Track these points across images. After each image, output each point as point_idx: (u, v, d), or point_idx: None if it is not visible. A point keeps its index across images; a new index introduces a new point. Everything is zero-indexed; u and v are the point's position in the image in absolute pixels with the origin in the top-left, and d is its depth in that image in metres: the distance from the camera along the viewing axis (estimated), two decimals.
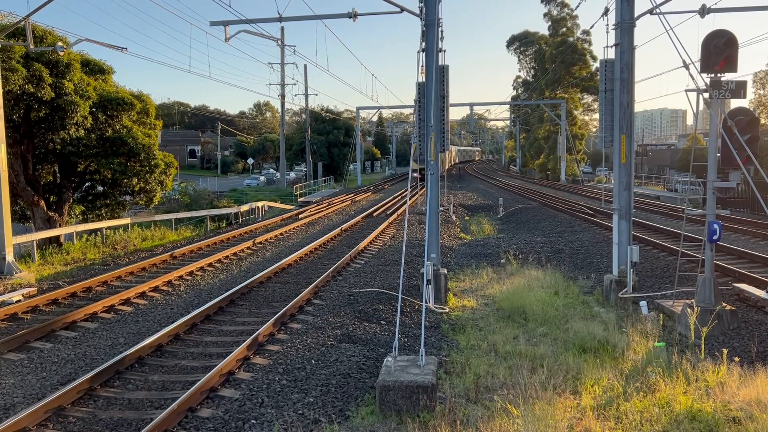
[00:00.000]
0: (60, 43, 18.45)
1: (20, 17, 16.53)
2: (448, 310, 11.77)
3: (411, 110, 60.28)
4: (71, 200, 24.30)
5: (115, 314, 11.79)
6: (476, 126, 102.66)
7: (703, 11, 12.67)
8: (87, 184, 25.32)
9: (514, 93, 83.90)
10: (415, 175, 28.12)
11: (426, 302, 10.69)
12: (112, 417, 7.11)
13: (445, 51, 12.70)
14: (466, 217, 30.39)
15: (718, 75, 10.04)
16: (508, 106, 76.80)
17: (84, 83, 21.74)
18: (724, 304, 10.15)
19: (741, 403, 6.85)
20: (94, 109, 22.54)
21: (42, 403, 7.03)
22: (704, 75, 10.11)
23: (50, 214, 22.56)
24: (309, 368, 8.37)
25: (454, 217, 28.79)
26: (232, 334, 10.36)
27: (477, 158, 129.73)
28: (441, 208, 16.05)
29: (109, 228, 23.44)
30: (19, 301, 12.75)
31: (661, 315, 10.59)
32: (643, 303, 11.37)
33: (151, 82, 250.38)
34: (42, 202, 22.26)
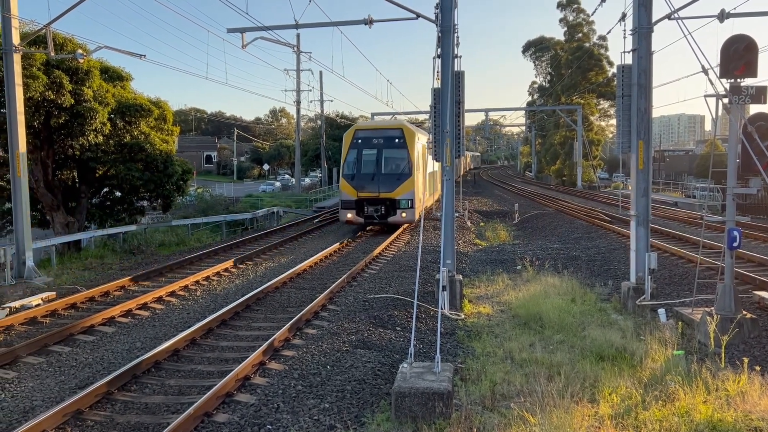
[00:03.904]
0: (80, 51, 18.72)
1: (41, 25, 16.81)
2: (463, 316, 11.72)
3: (426, 116, 60.29)
4: (90, 205, 24.59)
5: (133, 318, 11.88)
6: (491, 132, 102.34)
7: (722, 16, 12.55)
8: (105, 190, 25.62)
9: (530, 98, 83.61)
10: (349, 216, 23.49)
11: (441, 308, 10.65)
12: (129, 421, 7.16)
13: (460, 57, 12.69)
14: (482, 223, 30.27)
15: (738, 80, 9.92)
16: (523, 111, 76.43)
17: (103, 90, 22.03)
18: (744, 313, 10.00)
19: (763, 413, 6.74)
20: (112, 116, 22.82)
21: (61, 406, 7.09)
22: (723, 80, 10.00)
23: (69, 219, 22.84)
24: (324, 374, 8.37)
25: (469, 223, 28.69)
26: (248, 339, 10.40)
27: (467, 167, 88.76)
28: (456, 214, 16.01)
29: (126, 233, 23.66)
30: (38, 305, 12.90)
31: (680, 323, 10.46)
32: (661, 310, 11.24)
33: (168, 88, 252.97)
34: (61, 208, 22.54)
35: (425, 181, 26.99)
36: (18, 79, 15.83)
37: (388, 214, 23.18)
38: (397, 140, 23.66)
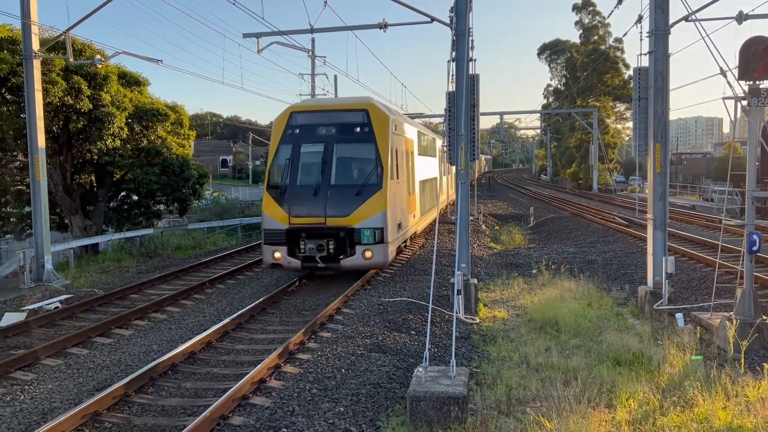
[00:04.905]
0: (98, 56, 18.95)
1: (61, 31, 17.05)
2: (478, 320, 11.67)
3: (440, 119, 60.20)
4: (107, 209, 24.85)
5: (149, 321, 11.98)
6: (506, 135, 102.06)
7: (741, 17, 12.41)
8: (122, 194, 25.87)
9: (545, 101, 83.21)
10: (277, 255, 14.10)
11: (456, 312, 10.62)
12: (146, 423, 7.21)
13: (475, 60, 12.66)
14: (497, 227, 30.15)
15: (757, 82, 9.80)
16: (538, 114, 76.12)
17: (120, 95, 22.28)
18: (764, 317, 9.85)
19: None
20: (129, 120, 23.06)
21: (79, 408, 7.16)
22: (742, 82, 9.89)
23: (87, 222, 23.09)
24: (339, 377, 8.38)
25: (484, 226, 28.59)
26: (263, 342, 10.44)
27: (482, 170, 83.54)
28: (471, 218, 15.95)
29: (143, 236, 23.87)
30: (57, 307, 13.05)
31: (698, 328, 10.34)
32: (679, 315, 11.11)
33: (184, 93, 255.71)
34: (79, 211, 22.80)
35: (412, 195, 18.23)
36: (38, 85, 16.06)
37: (339, 253, 14.13)
38: (358, 129, 14.80)
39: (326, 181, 14.36)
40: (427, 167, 22.49)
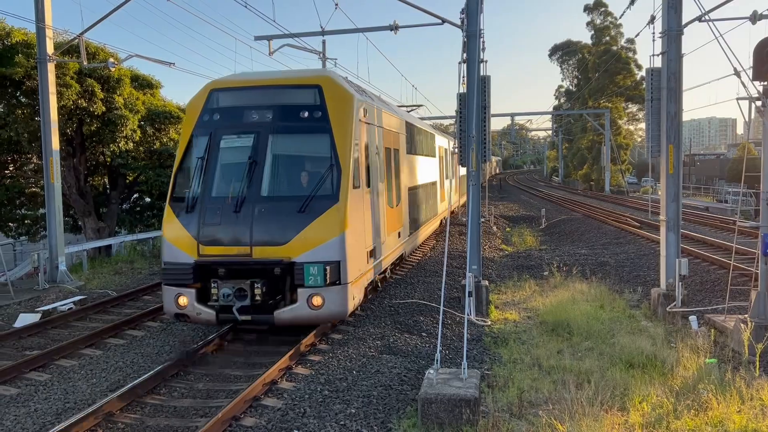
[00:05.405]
0: (111, 59, 19.11)
1: (74, 35, 17.22)
2: (489, 322, 11.64)
3: (451, 121, 60.11)
4: (120, 211, 25.04)
5: (161, 323, 12.05)
6: (517, 136, 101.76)
7: (755, 17, 12.29)
8: (135, 196, 26.05)
9: (557, 102, 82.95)
10: (182, 301, 9.25)
11: (468, 315, 10.59)
12: (159, 424, 7.25)
13: (486, 61, 12.64)
14: (508, 229, 30.05)
15: None
16: (550, 115, 75.83)
17: (133, 97, 22.46)
18: None
19: None
20: (142, 123, 23.23)
21: (92, 408, 7.22)
22: (756, 83, 9.81)
23: (100, 224, 23.28)
24: (350, 379, 8.38)
25: (495, 228, 28.50)
26: (274, 343, 10.45)
27: (493, 171, 76.84)
28: (482, 219, 15.92)
29: (155, 238, 24.02)
30: (71, 308, 13.17)
31: (712, 330, 10.25)
32: (692, 318, 11.03)
33: None
34: (92, 213, 23.00)
35: (395, 209, 13.80)
36: (52, 88, 16.22)
37: (270, 299, 9.63)
38: (306, 113, 10.25)
39: (254, 192, 9.66)
40: (421, 169, 18.32)
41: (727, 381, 7.78)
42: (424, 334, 10.73)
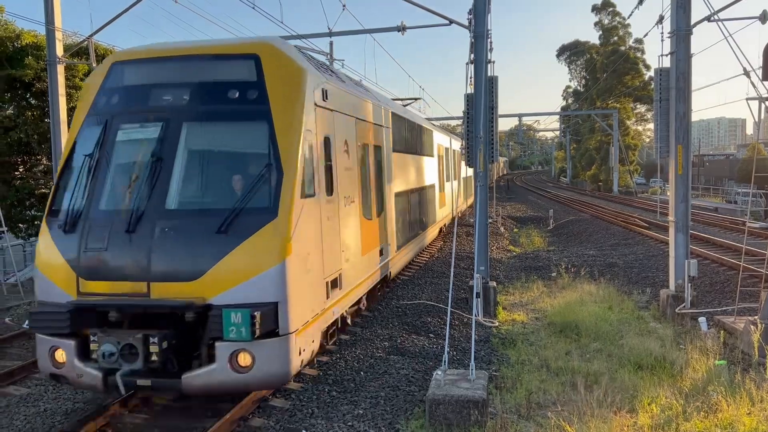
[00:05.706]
0: None
1: (84, 37, 17.32)
2: (497, 323, 11.62)
3: (458, 121, 60.05)
4: None
5: None
6: (525, 137, 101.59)
7: (764, 17, 12.22)
8: None
9: (564, 103, 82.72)
10: (59, 357, 6.19)
11: (475, 316, 10.58)
12: (168, 425, 7.28)
13: (493, 62, 12.64)
14: (515, 229, 29.99)
15: None
16: (557, 116, 75.67)
17: None
18: None
19: None
20: None
21: (101, 408, 7.25)
22: (766, 83, 9.76)
23: None
24: (358, 380, 8.39)
25: (502, 229, 28.45)
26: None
27: (500, 172, 74.68)
28: (489, 220, 15.89)
29: None
30: None
31: (722, 332, 10.19)
32: (702, 319, 10.97)
33: None
34: None
35: (373, 222, 11.26)
36: (61, 90, 16.32)
37: (177, 357, 6.78)
38: (236, 94, 7.43)
39: (156, 203, 7.02)
40: (414, 171, 16.14)
41: (736, 383, 7.73)
42: (431, 335, 10.72)
